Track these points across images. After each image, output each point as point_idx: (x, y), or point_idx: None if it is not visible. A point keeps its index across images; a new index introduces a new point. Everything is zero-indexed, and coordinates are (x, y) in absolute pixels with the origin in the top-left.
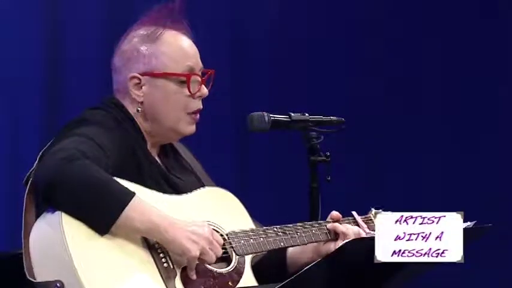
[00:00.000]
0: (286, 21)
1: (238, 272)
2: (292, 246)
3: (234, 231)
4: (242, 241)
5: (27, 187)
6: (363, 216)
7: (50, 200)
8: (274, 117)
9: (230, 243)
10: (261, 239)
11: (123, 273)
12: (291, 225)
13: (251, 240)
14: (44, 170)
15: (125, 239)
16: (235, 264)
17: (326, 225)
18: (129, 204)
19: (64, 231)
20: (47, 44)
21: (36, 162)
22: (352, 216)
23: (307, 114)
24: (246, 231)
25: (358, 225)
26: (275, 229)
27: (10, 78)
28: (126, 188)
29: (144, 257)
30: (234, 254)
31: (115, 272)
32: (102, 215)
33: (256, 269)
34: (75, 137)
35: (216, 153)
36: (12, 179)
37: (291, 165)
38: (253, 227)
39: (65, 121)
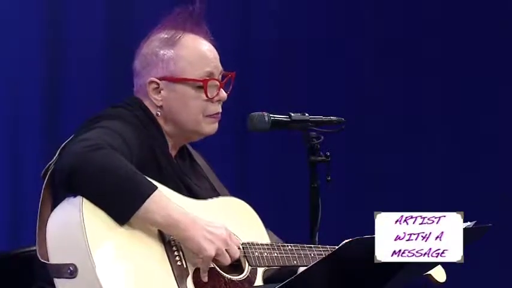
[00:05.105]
0: (287, 21)
1: (250, 282)
2: (304, 266)
3: (248, 242)
4: (256, 253)
5: (45, 180)
6: None
7: (72, 186)
8: (274, 117)
9: (244, 253)
10: (275, 254)
11: (137, 265)
12: (307, 245)
13: (265, 253)
14: (68, 156)
15: (142, 232)
16: (248, 274)
17: None
18: (151, 196)
19: (83, 215)
20: (47, 44)
21: (57, 154)
22: None
23: (307, 114)
24: (261, 244)
25: None
26: (290, 246)
27: (10, 78)
28: (150, 180)
29: (158, 253)
30: (246, 263)
31: (129, 263)
32: (123, 204)
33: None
34: (99, 129)
35: (216, 153)
36: (12, 179)
37: (291, 165)
38: (268, 240)
39: (65, 121)
